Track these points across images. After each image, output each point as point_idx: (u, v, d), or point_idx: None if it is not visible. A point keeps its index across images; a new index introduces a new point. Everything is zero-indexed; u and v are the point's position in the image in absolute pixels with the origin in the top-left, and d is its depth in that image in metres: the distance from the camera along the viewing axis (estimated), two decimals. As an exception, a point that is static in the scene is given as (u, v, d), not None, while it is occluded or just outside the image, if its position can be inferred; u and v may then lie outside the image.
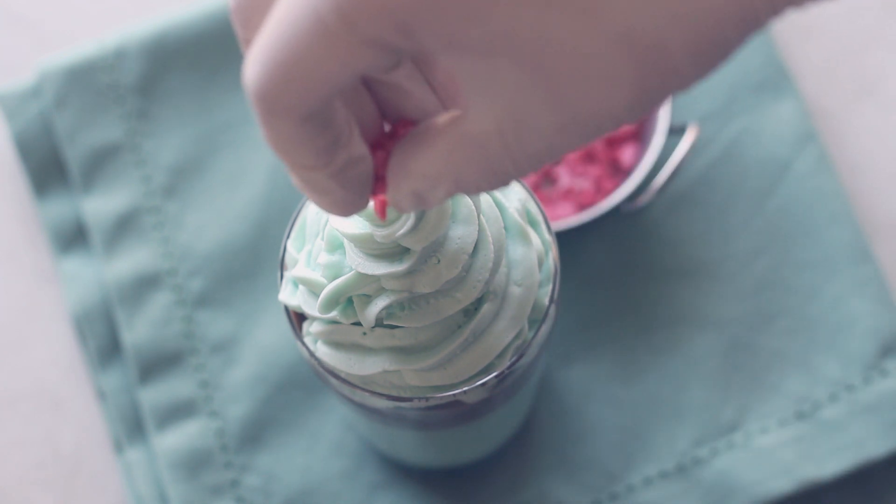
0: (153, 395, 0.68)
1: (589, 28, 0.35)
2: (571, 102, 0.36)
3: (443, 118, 0.39)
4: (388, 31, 0.34)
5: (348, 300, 0.49)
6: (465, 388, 0.50)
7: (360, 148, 0.39)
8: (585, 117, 0.37)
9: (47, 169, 0.72)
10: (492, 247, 0.48)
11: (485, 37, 0.35)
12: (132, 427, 0.69)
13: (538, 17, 0.35)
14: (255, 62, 0.35)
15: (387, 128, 0.42)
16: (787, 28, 0.74)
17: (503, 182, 0.39)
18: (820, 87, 0.74)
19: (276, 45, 0.35)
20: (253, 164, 0.71)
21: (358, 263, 0.47)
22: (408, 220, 0.46)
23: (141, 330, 0.69)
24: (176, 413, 0.68)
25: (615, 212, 0.68)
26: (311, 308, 0.50)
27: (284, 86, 0.35)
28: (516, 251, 0.50)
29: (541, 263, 0.51)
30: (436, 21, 0.34)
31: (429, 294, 0.48)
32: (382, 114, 0.42)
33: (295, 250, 0.52)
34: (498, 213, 0.49)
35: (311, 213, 0.51)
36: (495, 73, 0.36)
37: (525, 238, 0.50)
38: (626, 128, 0.70)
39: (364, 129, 0.41)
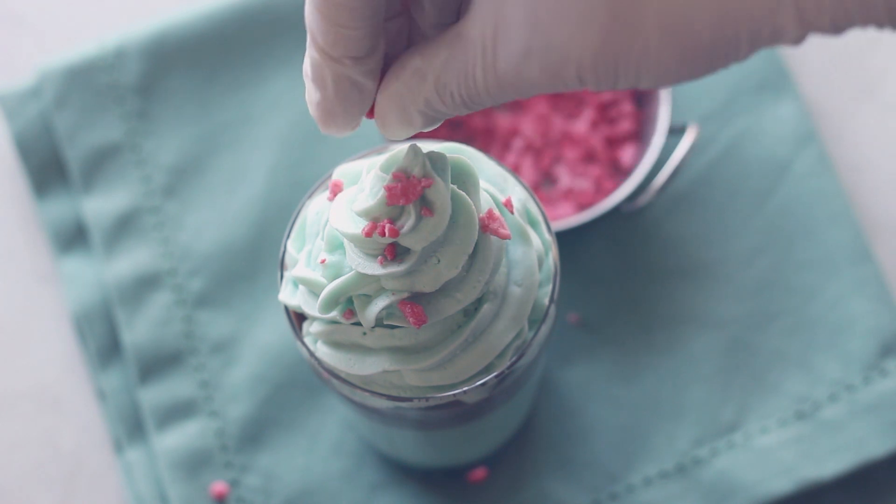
0: (153, 395, 0.68)
1: None
2: (544, 29, 0.40)
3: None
4: None
5: (348, 300, 0.49)
6: (465, 388, 0.50)
7: (379, 57, 0.44)
8: (551, 48, 0.40)
9: (47, 169, 0.72)
10: (492, 246, 0.48)
11: None
12: (132, 427, 0.69)
13: None
14: None
15: None
16: (787, 28, 0.74)
17: (474, 93, 0.42)
18: (820, 88, 0.74)
19: None
20: (253, 164, 0.71)
21: (358, 263, 0.47)
22: (408, 220, 0.46)
23: (141, 330, 0.69)
24: (176, 413, 0.68)
25: (615, 212, 0.68)
26: (311, 308, 0.50)
27: None
28: (516, 251, 0.50)
29: (541, 263, 0.51)
30: None
31: (429, 294, 0.48)
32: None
33: (295, 250, 0.52)
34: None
35: (311, 213, 0.51)
36: None
37: (525, 238, 0.50)
38: (627, 128, 0.70)
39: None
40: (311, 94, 0.44)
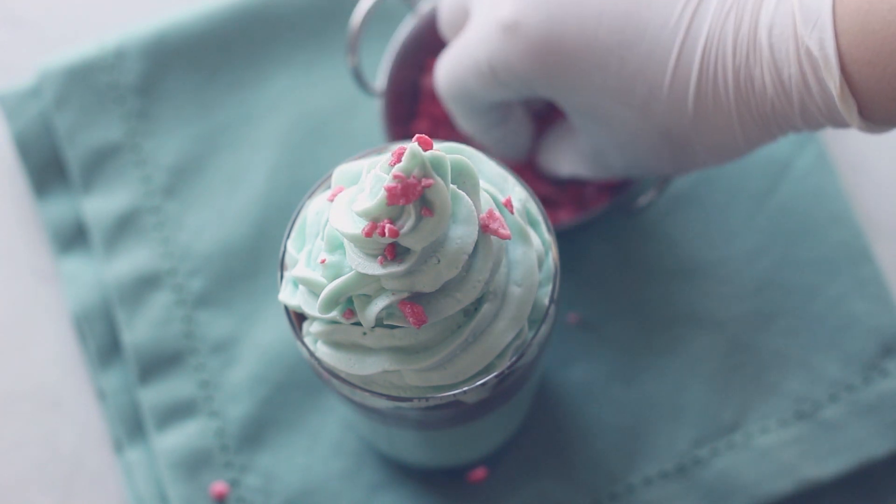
0: (153, 395, 0.68)
1: (642, 120, 0.56)
2: (634, 160, 0.59)
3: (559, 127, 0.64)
4: (517, 83, 0.57)
5: (348, 300, 0.49)
6: (465, 388, 0.50)
7: (519, 120, 0.64)
8: (640, 167, 0.59)
9: (47, 169, 0.72)
10: (492, 247, 0.48)
11: (579, 105, 0.57)
12: (132, 427, 0.69)
13: (612, 104, 0.56)
14: (441, 66, 0.61)
15: None
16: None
17: (604, 176, 0.63)
18: (820, 87, 0.74)
19: (451, 63, 0.60)
20: (253, 164, 0.71)
21: (358, 263, 0.47)
22: (408, 220, 0.46)
23: (141, 330, 0.69)
24: (176, 413, 0.68)
25: (615, 212, 0.68)
26: (311, 308, 0.50)
27: (452, 89, 0.60)
28: (516, 251, 0.50)
29: (541, 263, 0.51)
30: (549, 88, 0.57)
31: (429, 294, 0.48)
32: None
33: (295, 250, 0.52)
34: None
35: (311, 213, 0.51)
36: (587, 123, 0.58)
37: (525, 238, 0.50)
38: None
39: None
40: (486, 145, 0.64)
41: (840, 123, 0.52)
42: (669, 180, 0.66)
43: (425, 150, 0.46)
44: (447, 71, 0.60)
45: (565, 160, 0.63)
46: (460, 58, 0.58)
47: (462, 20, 0.61)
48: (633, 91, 0.55)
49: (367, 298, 0.48)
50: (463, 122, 0.62)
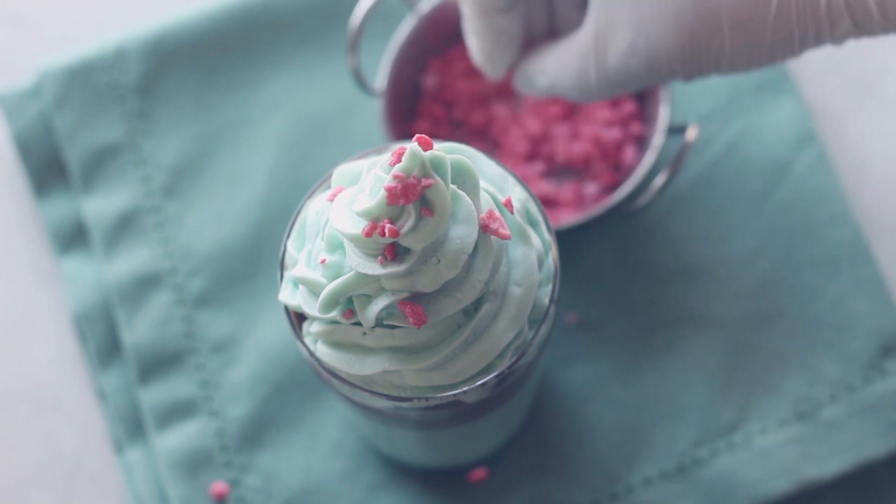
0: (153, 395, 0.68)
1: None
2: (646, 30, 0.53)
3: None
4: None
5: (348, 300, 0.49)
6: (465, 388, 0.50)
7: (514, 25, 0.59)
8: (651, 46, 0.53)
9: (47, 169, 0.72)
10: (492, 247, 0.48)
11: None
12: (132, 427, 0.69)
13: None
14: None
15: None
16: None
17: (585, 88, 0.57)
18: (820, 87, 0.74)
19: None
20: (253, 164, 0.71)
21: (358, 263, 0.47)
22: (408, 220, 0.46)
23: (141, 330, 0.69)
24: (176, 413, 0.68)
25: (615, 212, 0.68)
26: (311, 308, 0.50)
27: None
28: (516, 251, 0.50)
29: (541, 263, 0.51)
30: None
31: (429, 294, 0.48)
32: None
33: (295, 250, 0.52)
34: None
35: (311, 213, 0.51)
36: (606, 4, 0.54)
37: (525, 238, 0.50)
38: (626, 127, 0.70)
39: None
40: (472, 46, 0.60)
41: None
42: (670, 180, 0.66)
43: (425, 150, 0.46)
44: None
45: (551, 63, 0.58)
46: None
47: None
48: None
49: (367, 298, 0.48)
50: None
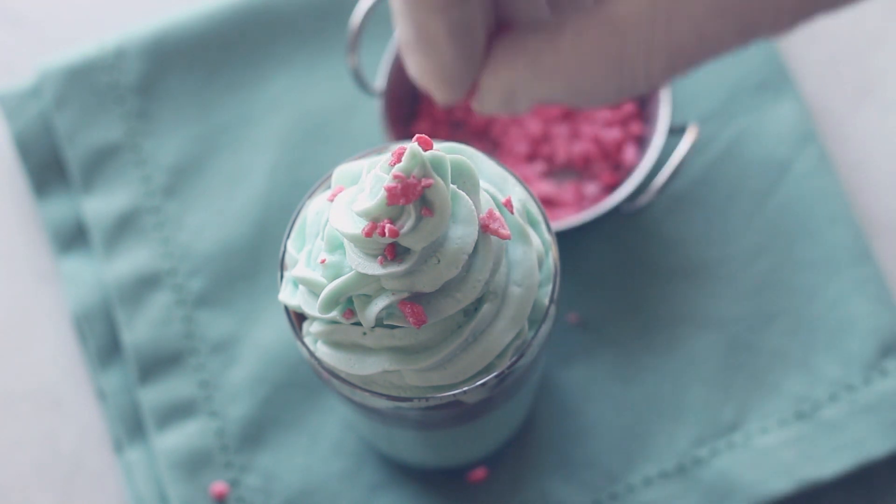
0: (153, 395, 0.68)
1: None
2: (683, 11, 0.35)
3: (570, 6, 0.37)
4: None
5: (348, 300, 0.49)
6: (465, 388, 0.50)
7: (478, 13, 0.38)
8: (743, 7, 0.35)
9: (47, 169, 0.72)
10: (492, 246, 0.48)
11: None
12: (132, 427, 0.69)
13: None
14: None
15: None
16: (787, 28, 0.74)
17: (622, 88, 0.37)
18: (820, 87, 0.74)
19: None
20: (253, 164, 0.71)
21: (358, 263, 0.47)
22: (408, 220, 0.46)
23: (141, 330, 0.69)
24: (176, 413, 0.68)
25: (615, 212, 0.68)
26: (311, 308, 0.50)
27: None
28: (516, 251, 0.50)
29: (541, 263, 0.51)
30: None
31: (429, 294, 0.48)
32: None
33: (295, 250, 0.52)
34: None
35: (311, 213, 0.51)
36: None
37: (525, 238, 0.50)
38: (626, 127, 0.70)
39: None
40: (421, 65, 0.39)
41: None
42: (670, 180, 0.66)
43: (425, 150, 0.46)
44: None
45: (564, 55, 0.38)
46: None
47: None
48: None
49: (367, 298, 0.48)
50: None
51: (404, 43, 0.39)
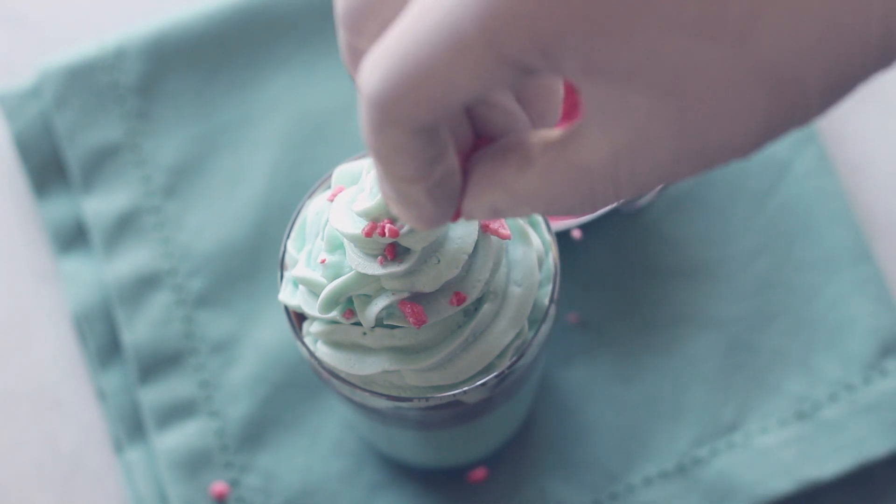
0: (153, 395, 0.68)
1: (734, 58, 0.34)
2: (698, 132, 0.36)
3: (537, 136, 0.38)
4: (528, 51, 0.34)
5: (348, 300, 0.49)
6: (465, 388, 0.50)
7: (454, 161, 0.39)
8: (708, 148, 0.36)
9: (47, 169, 0.72)
10: (492, 246, 0.48)
11: (628, 62, 0.34)
12: (132, 427, 0.69)
13: (684, 43, 0.34)
14: (378, 68, 0.35)
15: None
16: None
17: (597, 208, 0.38)
18: (820, 87, 0.74)
19: (406, 52, 0.34)
20: (253, 164, 0.71)
21: (358, 263, 0.47)
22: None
23: (141, 330, 0.69)
24: (176, 413, 0.68)
25: (615, 212, 0.68)
26: (311, 308, 0.50)
27: (409, 95, 0.35)
28: (516, 251, 0.50)
29: (541, 263, 0.51)
30: (581, 45, 0.34)
31: (429, 294, 0.48)
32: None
33: (295, 250, 0.52)
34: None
35: (311, 213, 0.51)
36: (627, 99, 0.35)
37: (525, 238, 0.50)
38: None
39: (456, 140, 0.40)
40: (402, 215, 0.40)
41: None
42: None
43: None
44: (395, 67, 0.35)
45: (537, 187, 0.38)
46: (424, 37, 0.35)
47: (394, 1, 0.38)
48: (724, 13, 0.34)
49: (367, 298, 0.48)
50: (400, 161, 0.38)
51: (384, 196, 0.40)
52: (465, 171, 0.40)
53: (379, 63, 0.35)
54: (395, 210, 0.40)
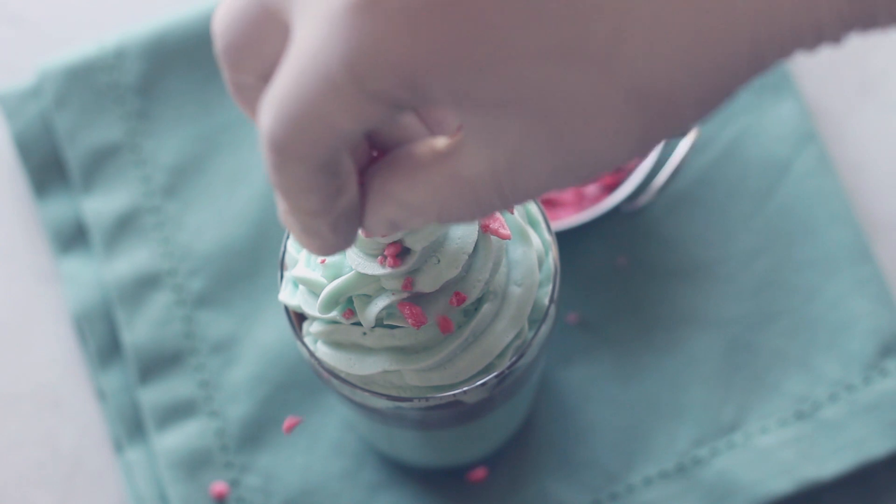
0: (153, 395, 0.68)
1: (600, 81, 0.35)
2: (573, 150, 0.37)
3: (425, 147, 0.39)
4: (396, 87, 0.35)
5: (348, 300, 0.49)
6: (465, 388, 0.50)
7: (356, 192, 0.39)
8: (585, 162, 0.37)
9: (47, 169, 0.72)
10: (492, 246, 0.48)
11: (495, 92, 0.35)
12: (132, 427, 0.69)
13: (549, 72, 0.35)
14: (269, 111, 0.36)
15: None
16: (787, 28, 0.74)
17: (486, 215, 0.39)
18: (820, 87, 0.74)
19: (287, 97, 0.36)
20: (253, 164, 0.71)
21: (358, 263, 0.47)
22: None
23: (141, 330, 0.69)
24: (176, 413, 0.68)
25: (615, 212, 0.68)
26: (311, 308, 0.50)
27: (297, 136, 0.36)
28: (516, 251, 0.50)
29: (541, 263, 0.51)
30: (445, 79, 0.35)
31: (429, 294, 0.48)
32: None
33: (295, 250, 0.52)
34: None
35: (311, 213, 0.51)
36: (499, 122, 0.36)
37: (525, 238, 0.50)
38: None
39: (355, 158, 0.41)
40: (304, 243, 0.41)
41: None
42: (670, 180, 0.66)
43: None
44: (280, 111, 0.36)
45: (427, 197, 0.39)
46: (299, 82, 0.35)
47: (273, 38, 0.38)
48: (586, 39, 0.35)
49: (367, 298, 0.48)
50: (303, 197, 0.38)
51: (287, 226, 0.41)
52: (362, 186, 0.40)
53: (270, 104, 0.36)
54: (298, 240, 0.41)
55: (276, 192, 0.39)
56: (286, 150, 0.36)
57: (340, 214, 0.39)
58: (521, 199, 0.38)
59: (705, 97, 0.36)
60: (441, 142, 0.39)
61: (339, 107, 0.35)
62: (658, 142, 0.37)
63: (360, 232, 0.46)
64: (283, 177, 0.37)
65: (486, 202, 0.38)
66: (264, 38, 0.38)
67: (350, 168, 0.39)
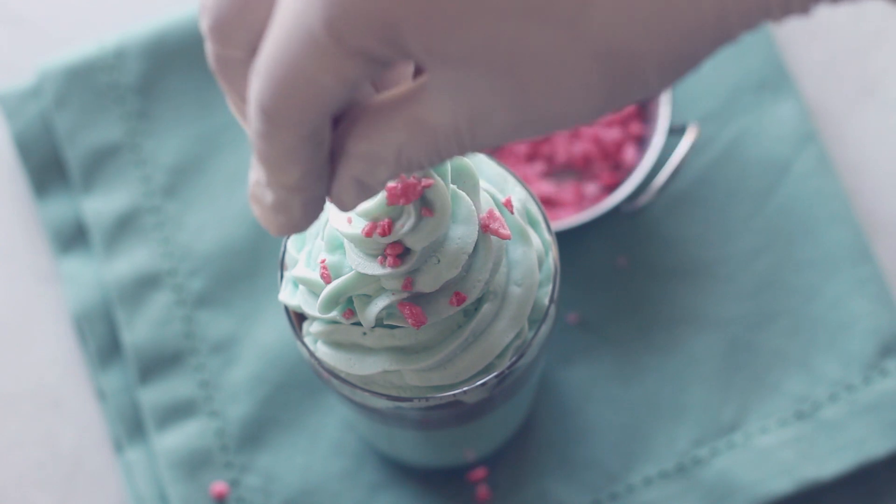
0: (153, 395, 0.68)
1: (567, 41, 0.36)
2: (536, 106, 0.38)
3: (384, 96, 0.39)
4: (374, 42, 0.36)
5: (348, 300, 0.49)
6: (465, 388, 0.50)
7: (326, 172, 0.40)
8: (547, 119, 0.38)
9: (47, 169, 0.72)
10: (492, 246, 0.48)
11: (464, 47, 0.36)
12: (132, 427, 0.69)
13: (518, 30, 0.36)
14: (258, 76, 0.37)
15: None
16: (787, 28, 0.74)
17: (444, 160, 0.40)
18: (820, 87, 0.74)
19: (274, 61, 0.37)
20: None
21: (358, 263, 0.47)
22: (408, 220, 0.46)
23: (141, 330, 0.69)
24: (176, 413, 0.68)
25: (615, 212, 0.68)
26: (311, 308, 0.50)
27: (285, 101, 0.37)
28: (516, 251, 0.50)
29: (541, 263, 0.51)
30: (418, 33, 0.36)
31: (429, 294, 0.48)
32: None
33: (295, 250, 0.52)
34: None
35: (311, 213, 0.51)
36: (466, 76, 0.37)
37: (525, 238, 0.50)
38: (626, 127, 0.70)
39: None
40: (272, 219, 0.41)
41: None
42: (670, 180, 0.66)
43: None
44: (268, 76, 0.37)
45: (385, 142, 0.39)
46: (285, 46, 0.37)
47: (260, 7, 0.39)
48: (554, 0, 0.36)
49: (367, 298, 0.48)
50: (288, 168, 0.39)
51: (253, 198, 0.42)
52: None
53: (259, 71, 0.37)
54: (262, 216, 0.41)
55: (253, 166, 0.40)
56: (275, 116, 0.37)
57: (312, 198, 0.40)
58: (479, 149, 0.39)
59: (670, 63, 0.37)
60: (400, 89, 0.39)
61: (322, 65, 0.36)
62: (622, 104, 0.38)
63: (358, 230, 0.46)
64: (271, 145, 0.38)
65: (444, 149, 0.39)
66: (251, 7, 0.39)
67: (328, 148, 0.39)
